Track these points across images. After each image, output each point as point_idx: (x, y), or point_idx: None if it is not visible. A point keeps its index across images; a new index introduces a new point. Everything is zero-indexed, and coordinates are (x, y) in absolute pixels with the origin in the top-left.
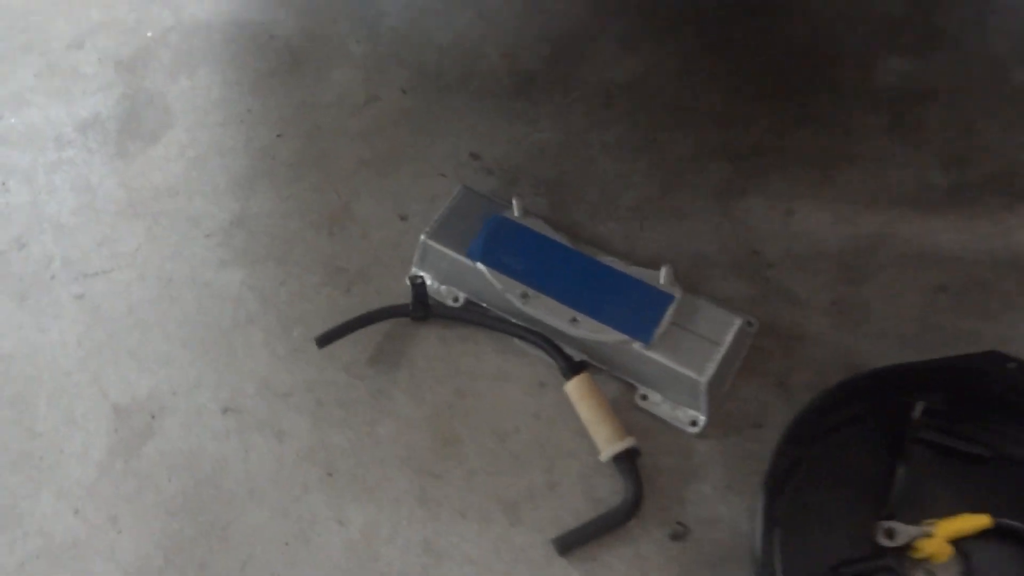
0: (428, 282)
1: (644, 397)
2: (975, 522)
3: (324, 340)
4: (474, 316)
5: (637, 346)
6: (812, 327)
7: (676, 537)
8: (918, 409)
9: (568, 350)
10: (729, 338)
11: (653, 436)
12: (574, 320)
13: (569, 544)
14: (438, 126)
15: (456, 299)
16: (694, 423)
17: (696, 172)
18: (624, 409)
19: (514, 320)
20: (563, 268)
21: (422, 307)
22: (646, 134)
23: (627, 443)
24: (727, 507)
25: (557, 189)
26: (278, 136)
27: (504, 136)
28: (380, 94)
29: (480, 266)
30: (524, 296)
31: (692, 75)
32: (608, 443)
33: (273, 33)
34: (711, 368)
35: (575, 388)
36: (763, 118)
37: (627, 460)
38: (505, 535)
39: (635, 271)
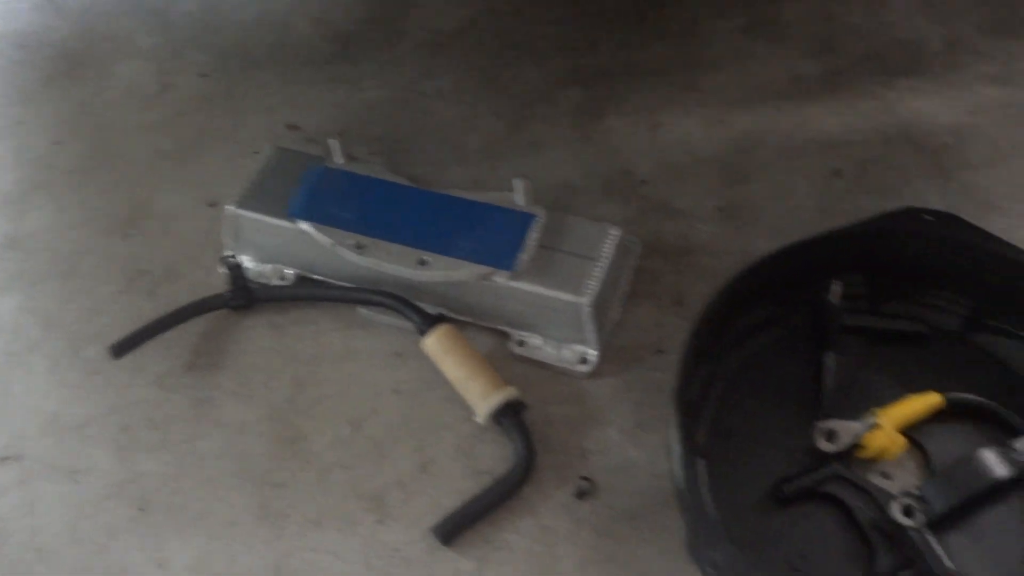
0: (248, 264)
1: (521, 343)
2: (924, 403)
3: (121, 349)
4: (305, 291)
5: (501, 277)
6: (700, 237)
7: (583, 495)
8: (835, 291)
9: (424, 306)
10: (607, 251)
11: (539, 386)
12: (422, 262)
13: (452, 530)
14: (247, 104)
15: (284, 277)
16: (584, 360)
17: (547, 103)
18: (501, 363)
19: (354, 287)
20: (403, 208)
21: (242, 293)
22: (485, 75)
23: (505, 395)
24: (639, 449)
25: (393, 145)
26: (55, 143)
27: (326, 102)
28: (175, 82)
29: (304, 225)
30: (359, 247)
31: (527, 10)
32: (483, 399)
33: (47, 40)
34: (592, 287)
35: (435, 344)
36: (611, 39)
37: (510, 416)
38: (373, 536)
39: (488, 196)
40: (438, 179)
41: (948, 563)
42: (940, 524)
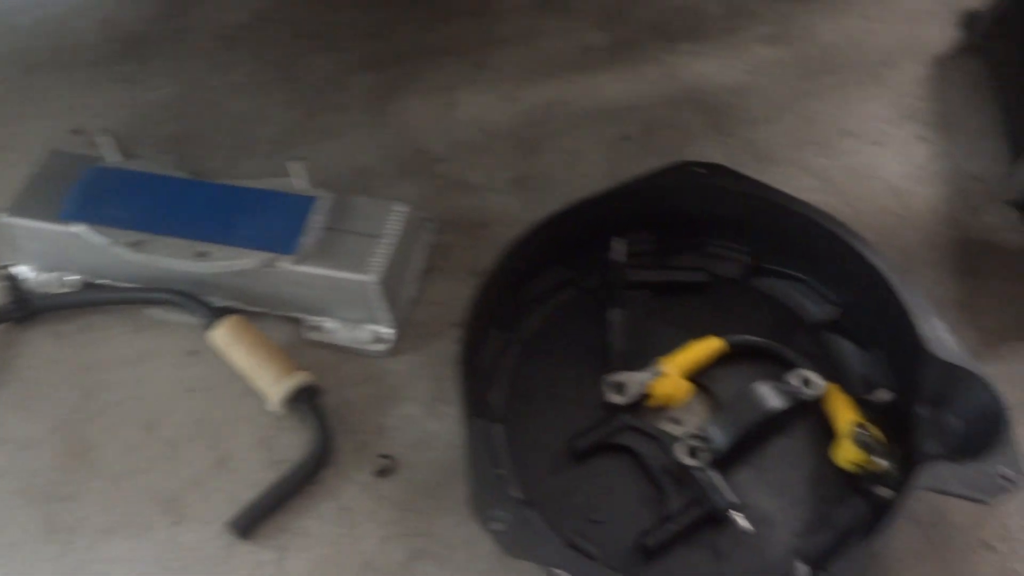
0: (29, 274)
1: (315, 328)
2: (706, 348)
3: None
4: (84, 296)
5: (285, 263)
6: (496, 209)
7: (384, 472)
8: (617, 249)
9: (213, 300)
10: (394, 227)
11: (337, 369)
12: (202, 254)
13: (249, 523)
14: (24, 111)
15: (66, 284)
16: (379, 339)
17: (342, 90)
18: (297, 350)
19: (135, 287)
20: (181, 202)
21: (20, 305)
22: (278, 66)
23: (296, 380)
24: (439, 421)
25: (184, 142)
26: None
27: (113, 103)
28: None
29: (77, 227)
30: (136, 244)
31: (318, 0)
32: (274, 387)
33: None
34: (379, 264)
35: (222, 336)
36: (405, 22)
37: (305, 402)
38: (170, 539)
39: (268, 183)
40: (230, 172)
41: (732, 497)
42: (725, 461)
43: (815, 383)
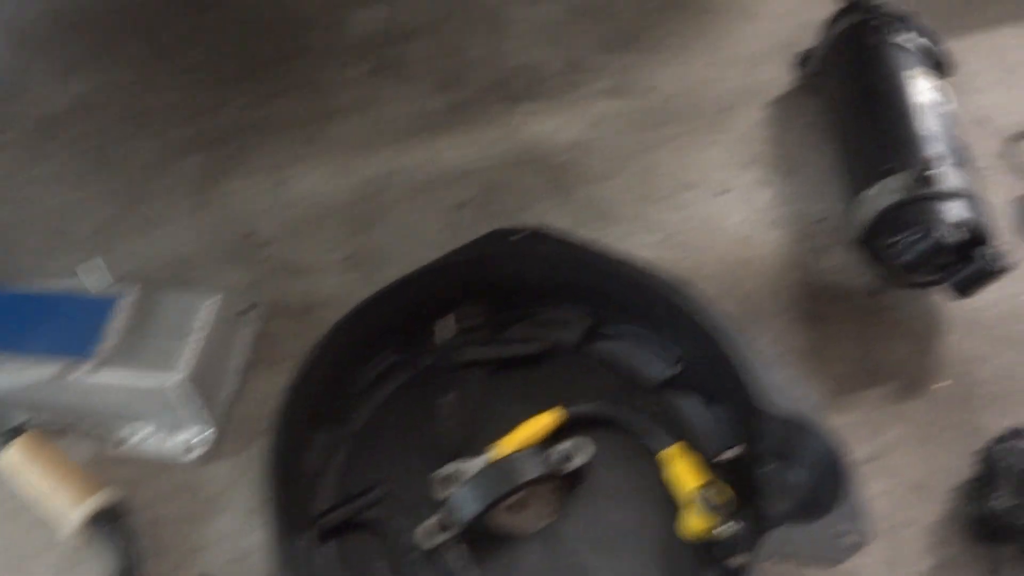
0: None
1: (122, 441)
2: (542, 423)
3: None
4: None
5: (82, 370)
6: (327, 291)
7: None
8: (442, 330)
9: (12, 418)
10: (202, 322)
11: (149, 483)
12: None
13: None
14: None
15: None
16: (193, 445)
17: (165, 175)
18: (105, 467)
19: None
20: None
21: None
22: (100, 153)
23: (93, 502)
24: (256, 533)
25: None
26: None
27: None
28: None
29: None
30: None
31: (146, 81)
32: (70, 512)
33: None
34: (188, 362)
35: (11, 460)
36: (234, 100)
37: (108, 524)
38: None
39: (69, 284)
40: (42, 271)
41: (476, 572)
42: (472, 532)
43: (581, 453)
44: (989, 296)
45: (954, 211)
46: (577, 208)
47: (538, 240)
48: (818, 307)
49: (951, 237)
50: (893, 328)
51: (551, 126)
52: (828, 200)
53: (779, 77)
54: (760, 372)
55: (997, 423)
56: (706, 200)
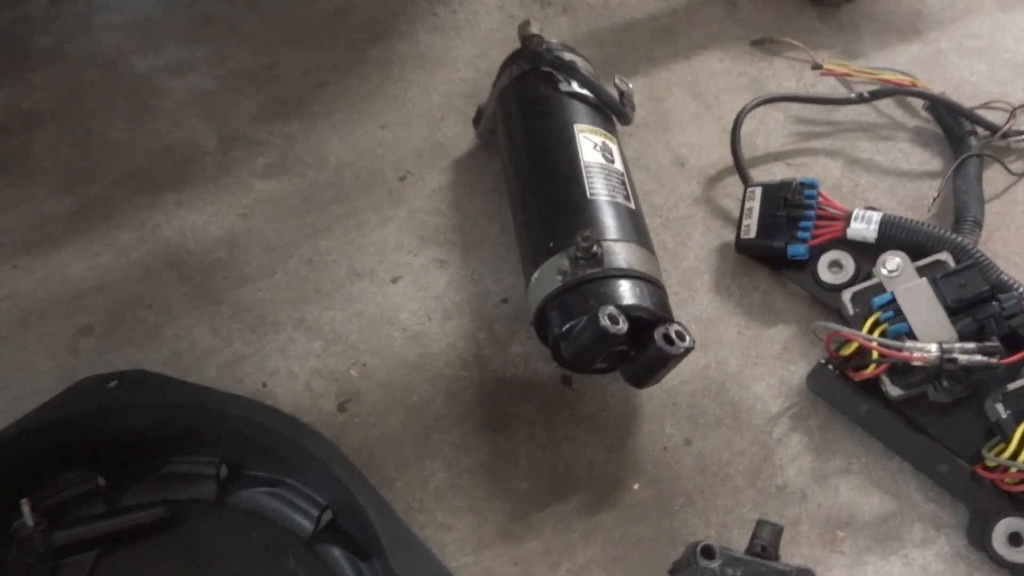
0: None
1: None
2: None
3: None
4: None
5: None
6: None
7: None
8: (25, 517)
9: None
10: None
11: None
12: None
13: None
14: None
15: None
16: None
17: None
18: None
19: None
20: None
21: None
22: None
23: None
24: None
25: None
26: None
27: None
28: None
29: None
30: None
31: None
32: None
33: None
34: None
35: None
36: None
37: None
38: None
39: None
40: None
41: None
42: None
43: None
44: (681, 373)
45: (620, 293)
46: (227, 319)
47: (136, 386)
48: (502, 409)
49: (616, 326)
50: (586, 423)
51: (198, 219)
52: (509, 277)
53: (463, 133)
54: (398, 537)
55: (695, 526)
56: (379, 290)
